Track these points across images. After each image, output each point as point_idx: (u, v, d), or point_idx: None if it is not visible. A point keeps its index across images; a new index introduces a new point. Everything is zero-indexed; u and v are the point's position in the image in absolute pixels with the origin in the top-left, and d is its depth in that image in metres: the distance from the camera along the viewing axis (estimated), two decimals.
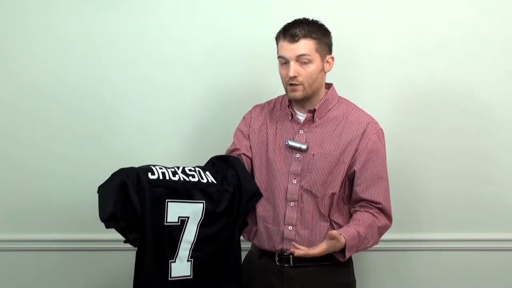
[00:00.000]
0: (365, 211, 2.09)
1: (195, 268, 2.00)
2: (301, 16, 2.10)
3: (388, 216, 2.14)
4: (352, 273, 2.20)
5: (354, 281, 2.22)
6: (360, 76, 2.60)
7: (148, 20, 2.59)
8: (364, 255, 2.59)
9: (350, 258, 2.17)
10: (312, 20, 2.08)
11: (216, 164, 2.14)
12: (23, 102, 2.62)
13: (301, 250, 2.00)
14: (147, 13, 2.59)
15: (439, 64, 2.60)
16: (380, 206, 2.10)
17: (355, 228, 2.03)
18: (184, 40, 2.60)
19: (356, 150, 2.08)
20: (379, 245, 2.64)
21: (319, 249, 1.99)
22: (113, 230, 2.07)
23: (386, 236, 2.64)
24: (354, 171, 2.09)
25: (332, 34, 2.12)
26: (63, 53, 2.60)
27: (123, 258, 2.61)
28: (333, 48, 2.13)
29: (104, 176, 1.92)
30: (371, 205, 2.10)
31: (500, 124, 2.63)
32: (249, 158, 2.18)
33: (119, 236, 2.13)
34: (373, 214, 2.09)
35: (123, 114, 2.64)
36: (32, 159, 2.64)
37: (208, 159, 2.19)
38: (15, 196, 2.66)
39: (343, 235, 1.99)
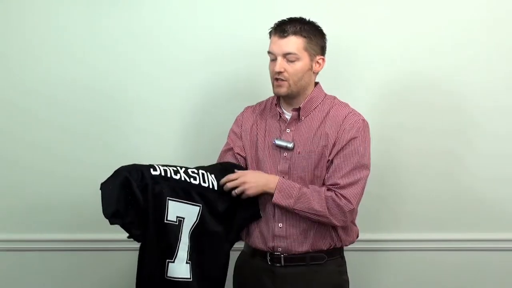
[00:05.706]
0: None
1: (193, 270, 1.99)
2: (298, 15, 2.10)
3: (345, 198, 2.04)
4: (344, 273, 2.19)
5: (347, 281, 2.21)
6: (351, 74, 2.61)
7: (148, 20, 2.59)
8: (358, 255, 2.58)
9: (343, 258, 2.18)
10: (309, 20, 2.09)
11: (227, 169, 2.10)
12: (23, 102, 2.62)
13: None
14: (146, 13, 2.59)
15: (430, 64, 2.61)
16: (337, 186, 2.05)
17: (300, 185, 2.06)
18: (184, 40, 2.60)
19: (334, 143, 2.07)
20: (374, 245, 2.68)
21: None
22: (113, 230, 2.07)
23: (382, 236, 2.69)
24: (328, 160, 2.08)
25: (325, 33, 2.12)
26: (63, 53, 2.60)
27: (123, 258, 2.63)
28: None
29: (104, 176, 1.93)
30: (330, 188, 2.07)
31: (494, 124, 2.65)
32: (244, 158, 2.19)
33: (119, 236, 2.13)
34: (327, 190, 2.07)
35: (123, 113, 2.64)
36: (32, 159, 2.64)
37: (206, 158, 2.19)
38: (15, 196, 2.66)
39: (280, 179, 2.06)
